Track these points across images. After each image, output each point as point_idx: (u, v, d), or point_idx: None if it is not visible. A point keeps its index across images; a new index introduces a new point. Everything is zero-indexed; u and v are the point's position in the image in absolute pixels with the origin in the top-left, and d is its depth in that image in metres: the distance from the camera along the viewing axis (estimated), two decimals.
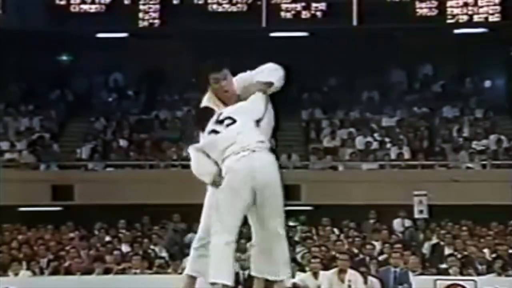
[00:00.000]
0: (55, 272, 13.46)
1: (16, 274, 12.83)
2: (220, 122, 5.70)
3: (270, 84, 5.89)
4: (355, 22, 22.21)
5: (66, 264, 13.58)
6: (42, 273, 13.44)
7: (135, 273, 12.86)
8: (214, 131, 5.68)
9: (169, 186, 19.39)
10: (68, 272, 13.28)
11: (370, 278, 11.66)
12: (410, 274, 12.01)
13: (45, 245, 14.75)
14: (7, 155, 20.81)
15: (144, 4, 22.71)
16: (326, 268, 11.95)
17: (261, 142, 5.67)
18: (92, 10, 22.61)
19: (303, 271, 12.20)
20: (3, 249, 14.40)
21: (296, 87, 23.70)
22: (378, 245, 14.79)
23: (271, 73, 5.96)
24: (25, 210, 18.69)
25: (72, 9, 22.51)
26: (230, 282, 5.49)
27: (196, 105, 21.43)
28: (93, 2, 22.58)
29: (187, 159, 19.99)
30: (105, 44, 23.19)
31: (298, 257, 13.45)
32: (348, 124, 22.28)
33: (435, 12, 22.52)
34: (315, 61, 22.77)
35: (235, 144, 5.61)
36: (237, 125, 5.65)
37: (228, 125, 5.66)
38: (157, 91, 24.37)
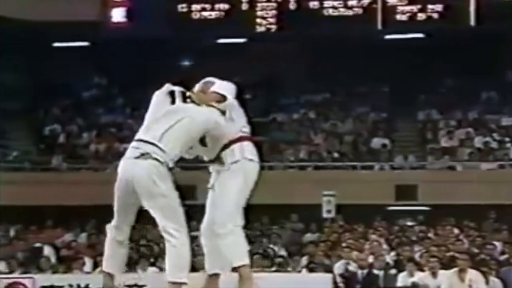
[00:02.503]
0: None
1: (144, 270, 13.17)
2: None
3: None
4: (472, 23, 21.68)
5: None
6: None
7: (255, 271, 12.94)
8: None
9: (286, 187, 19.48)
10: (192, 268, 13.51)
11: (492, 278, 11.38)
12: None
13: None
14: None
15: (261, 10, 22.91)
16: (445, 267, 11.73)
17: None
18: (212, 17, 23.02)
19: (422, 270, 12.03)
20: (132, 246, 14.80)
21: (412, 88, 23.40)
22: (499, 245, 14.40)
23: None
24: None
25: (193, 16, 22.98)
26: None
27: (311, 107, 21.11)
28: (212, 9, 22.98)
29: (304, 160, 20.17)
30: (224, 49, 23.57)
31: (417, 256, 13.26)
32: (466, 124, 21.81)
33: None
34: (431, 63, 22.38)
35: None
36: None
37: None
38: (274, 94, 24.54)
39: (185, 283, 5.60)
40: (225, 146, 5.80)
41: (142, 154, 5.54)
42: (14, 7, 21.70)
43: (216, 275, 5.91)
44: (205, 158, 5.94)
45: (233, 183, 5.75)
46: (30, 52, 23.03)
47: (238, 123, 5.89)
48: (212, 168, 5.91)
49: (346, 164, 20.98)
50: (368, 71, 22.89)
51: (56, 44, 23.78)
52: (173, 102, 5.77)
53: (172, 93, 5.79)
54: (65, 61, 23.48)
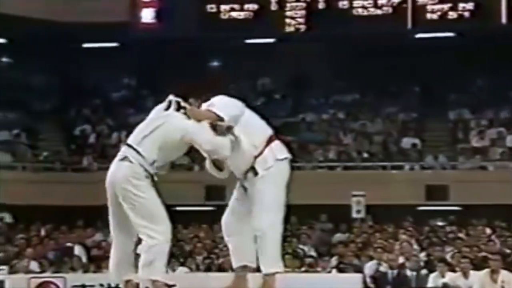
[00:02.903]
0: (208, 268, 13.76)
1: (174, 270, 13.22)
2: None
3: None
4: (504, 20, 21.46)
5: (220, 261, 13.86)
6: (198, 269, 13.79)
7: (286, 271, 12.94)
8: None
9: (315, 187, 19.44)
10: (221, 269, 13.55)
11: None
12: None
13: (201, 243, 15.12)
14: None
15: (290, 10, 22.88)
16: (477, 268, 11.65)
17: None
18: (241, 17, 23.03)
19: (453, 271, 11.94)
20: None
21: (443, 88, 23.25)
22: None
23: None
24: (180, 210, 19.26)
25: (222, 16, 23.03)
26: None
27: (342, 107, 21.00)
28: (241, 9, 22.99)
29: (333, 160, 20.11)
30: (253, 50, 23.59)
31: (448, 257, 13.17)
32: (498, 123, 21.62)
33: None
34: (462, 62, 22.20)
35: None
36: None
37: None
38: (303, 94, 24.50)
39: (156, 280, 5.69)
40: (257, 156, 5.86)
41: (124, 158, 5.80)
42: (44, 8, 21.91)
43: (244, 268, 5.91)
44: (237, 175, 5.96)
45: (270, 188, 5.82)
46: (60, 53, 23.22)
47: (258, 133, 5.93)
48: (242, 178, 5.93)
49: (376, 164, 20.91)
50: (398, 71, 22.76)
51: (86, 45, 23.98)
52: (167, 110, 5.97)
53: (169, 102, 5.98)
54: (94, 62, 23.66)
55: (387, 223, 17.19)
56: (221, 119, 5.79)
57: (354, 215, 18.43)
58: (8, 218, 19.03)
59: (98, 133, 23.28)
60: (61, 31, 22.11)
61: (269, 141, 5.91)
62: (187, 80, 24.34)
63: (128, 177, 5.73)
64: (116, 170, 5.81)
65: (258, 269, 5.97)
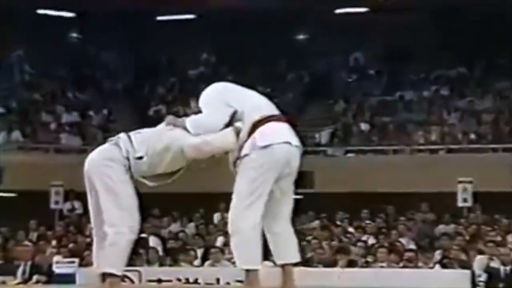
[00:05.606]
0: None
1: None
2: None
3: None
4: None
5: (308, 255, 13.78)
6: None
7: (382, 267, 12.88)
8: None
9: (415, 173, 19.27)
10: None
11: None
12: None
13: None
14: None
15: None
16: None
17: None
18: None
19: None
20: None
21: None
22: None
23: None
24: None
25: None
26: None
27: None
28: None
29: (436, 143, 19.66)
30: (344, 21, 23.37)
31: None
32: None
33: None
34: None
35: None
36: None
37: None
38: (401, 70, 24.22)
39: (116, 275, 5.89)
40: (241, 146, 5.82)
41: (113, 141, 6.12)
42: None
43: (286, 266, 5.99)
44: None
45: (239, 180, 5.77)
46: (133, 27, 23.53)
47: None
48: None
49: (485, 146, 20.49)
50: (510, 42, 22.20)
51: (160, 18, 24.20)
52: None
53: None
54: (170, 36, 23.87)
55: (498, 213, 16.92)
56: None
57: (460, 203, 18.20)
58: (78, 206, 19.34)
59: (173, 113, 23.44)
60: (133, 3, 22.36)
61: (254, 127, 5.81)
62: (270, 56, 24.36)
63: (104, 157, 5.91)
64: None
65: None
